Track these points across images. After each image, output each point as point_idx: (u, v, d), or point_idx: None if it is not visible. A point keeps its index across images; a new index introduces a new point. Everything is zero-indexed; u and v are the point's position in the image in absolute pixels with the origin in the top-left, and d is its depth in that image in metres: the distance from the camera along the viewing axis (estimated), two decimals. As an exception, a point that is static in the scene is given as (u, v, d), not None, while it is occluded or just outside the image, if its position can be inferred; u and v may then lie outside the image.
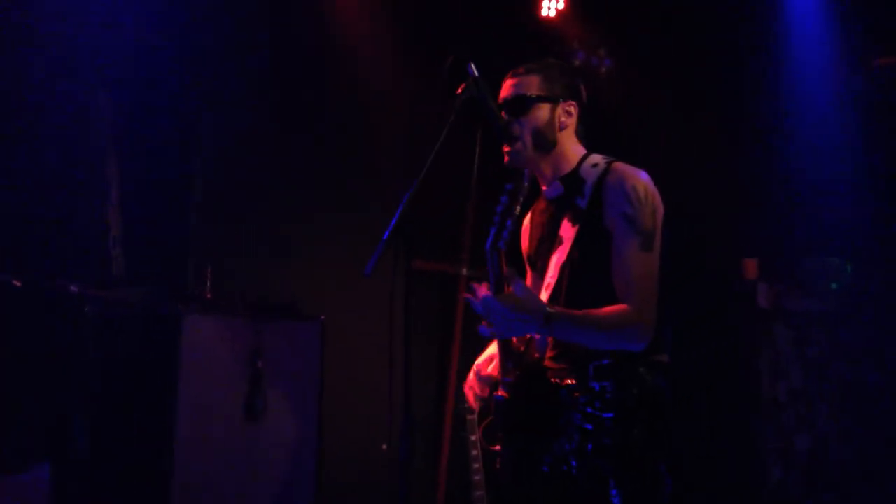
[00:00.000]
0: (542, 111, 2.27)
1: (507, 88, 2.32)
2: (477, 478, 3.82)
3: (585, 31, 4.30)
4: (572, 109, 2.30)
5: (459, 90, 2.24)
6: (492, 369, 2.40)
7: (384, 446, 3.70)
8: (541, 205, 2.38)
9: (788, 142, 4.07)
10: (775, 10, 4.05)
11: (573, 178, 2.25)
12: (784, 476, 4.02)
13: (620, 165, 2.22)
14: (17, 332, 2.99)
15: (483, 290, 2.10)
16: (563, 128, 2.28)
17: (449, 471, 4.24)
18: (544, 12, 4.38)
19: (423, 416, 4.23)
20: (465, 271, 4.39)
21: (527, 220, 2.45)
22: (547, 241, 2.29)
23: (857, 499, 3.94)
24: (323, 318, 3.51)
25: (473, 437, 3.85)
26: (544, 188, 2.34)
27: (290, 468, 3.36)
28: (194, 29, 3.68)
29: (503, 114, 2.29)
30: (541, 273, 2.28)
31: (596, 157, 2.28)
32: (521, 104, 2.27)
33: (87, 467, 3.06)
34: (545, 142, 2.27)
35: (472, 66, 2.26)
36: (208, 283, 3.42)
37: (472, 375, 2.47)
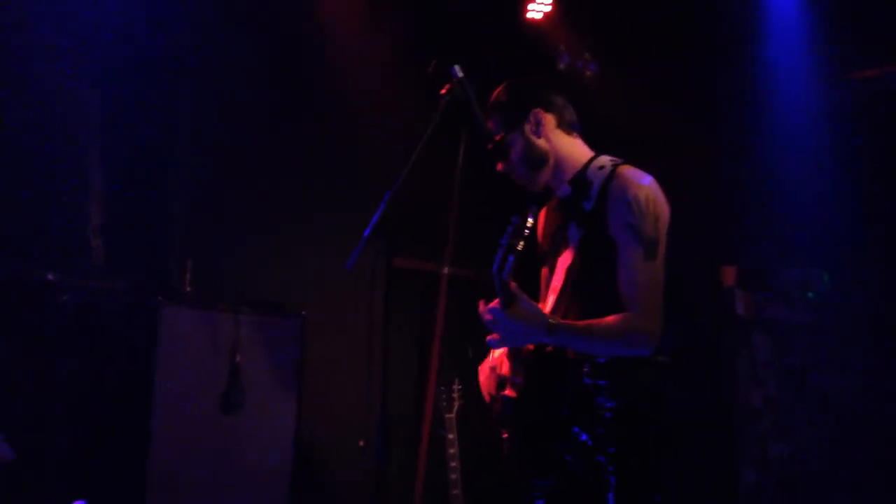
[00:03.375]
0: (517, 142, 2.30)
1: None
2: (454, 476, 3.84)
3: (571, 35, 4.33)
4: (538, 117, 2.31)
5: (444, 91, 2.26)
6: (505, 369, 2.41)
7: (361, 442, 3.71)
8: (554, 202, 2.40)
9: (769, 151, 4.11)
10: (756, 21, 4.09)
11: (580, 180, 2.27)
12: (758, 481, 4.06)
13: (625, 170, 2.22)
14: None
15: (492, 303, 2.14)
16: (539, 136, 2.30)
17: (427, 469, 4.26)
18: (530, 14, 4.39)
19: (401, 414, 4.24)
20: (446, 270, 4.40)
21: (542, 215, 2.46)
22: (557, 241, 2.32)
23: (829, 508, 3.98)
24: (304, 313, 3.51)
25: (451, 436, 3.87)
26: (555, 188, 2.36)
27: (266, 462, 3.36)
28: (183, 24, 3.67)
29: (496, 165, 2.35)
30: (552, 272, 2.32)
31: (603, 159, 2.27)
32: (500, 150, 2.32)
33: (64, 455, 3.06)
34: (536, 161, 2.30)
35: (457, 67, 2.28)
36: (189, 276, 3.41)
37: (487, 371, 2.44)
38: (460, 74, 2.28)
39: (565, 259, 2.24)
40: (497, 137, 2.32)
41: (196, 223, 3.69)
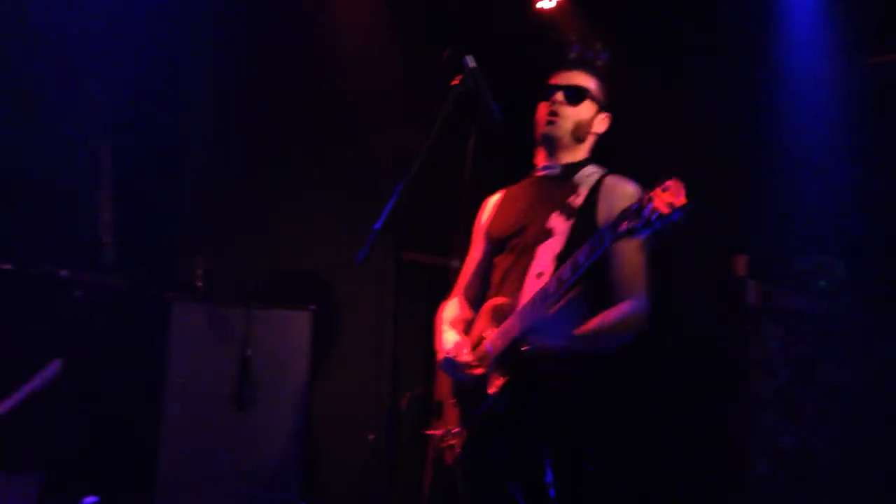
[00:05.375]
0: (589, 110, 2.47)
1: (571, 75, 2.50)
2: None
3: (583, 24, 4.30)
4: (606, 122, 2.51)
5: (455, 81, 2.26)
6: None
7: (371, 436, 3.71)
8: (524, 183, 2.52)
9: (782, 138, 4.08)
10: (774, 6, 4.05)
11: (570, 175, 2.42)
12: (768, 472, 4.05)
13: (614, 175, 2.41)
14: (8, 314, 3.00)
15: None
16: (593, 132, 2.48)
17: (435, 461, 4.25)
18: (540, 4, 4.36)
19: (409, 407, 4.24)
20: (455, 263, 4.38)
21: (498, 198, 2.56)
22: (531, 227, 2.38)
23: (840, 499, 3.97)
24: (314, 307, 3.51)
25: (458, 429, 3.86)
26: (540, 164, 2.47)
27: (277, 456, 3.37)
28: (189, 22, 3.66)
29: (559, 94, 2.44)
30: (523, 257, 2.36)
31: (592, 168, 2.45)
32: (578, 94, 2.46)
33: (75, 451, 3.07)
34: (579, 135, 2.46)
35: (469, 58, 2.28)
36: (199, 272, 3.41)
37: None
38: (472, 64, 2.28)
39: (550, 247, 2.30)
40: (587, 88, 2.45)
41: (206, 219, 3.69)
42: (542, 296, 2.18)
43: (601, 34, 4.25)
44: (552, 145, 2.43)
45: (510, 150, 2.80)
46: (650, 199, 1.92)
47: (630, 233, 1.97)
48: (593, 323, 2.22)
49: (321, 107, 4.06)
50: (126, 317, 3.22)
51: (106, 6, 3.42)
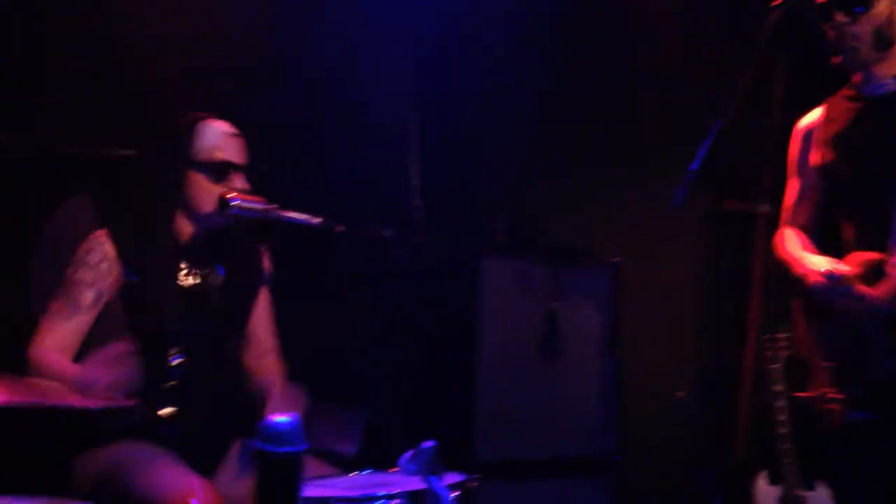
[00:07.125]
0: (883, 6, 2.09)
1: None
2: (783, 430, 3.58)
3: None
4: None
5: (775, 2, 2.07)
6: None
7: (680, 393, 3.59)
8: (847, 103, 2.18)
9: None
10: None
11: None
12: None
13: None
14: (341, 272, 3.33)
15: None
16: None
17: (749, 420, 4.02)
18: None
19: (720, 364, 4.04)
20: (765, 208, 4.06)
21: (815, 121, 2.24)
22: (880, 160, 2.09)
23: None
24: (617, 260, 3.46)
25: (778, 388, 3.60)
26: (857, 79, 2.14)
27: (590, 411, 3.40)
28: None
29: (838, 14, 2.09)
30: (879, 198, 2.07)
31: None
32: (856, 2, 2.09)
33: (399, 399, 3.33)
34: (884, 40, 2.09)
35: None
36: (503, 229, 3.51)
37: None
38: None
39: None
40: None
41: (508, 177, 3.78)
42: None
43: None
44: (861, 69, 2.12)
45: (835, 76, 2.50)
46: None
47: None
48: None
49: (619, 50, 3.93)
50: (440, 274, 3.41)
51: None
